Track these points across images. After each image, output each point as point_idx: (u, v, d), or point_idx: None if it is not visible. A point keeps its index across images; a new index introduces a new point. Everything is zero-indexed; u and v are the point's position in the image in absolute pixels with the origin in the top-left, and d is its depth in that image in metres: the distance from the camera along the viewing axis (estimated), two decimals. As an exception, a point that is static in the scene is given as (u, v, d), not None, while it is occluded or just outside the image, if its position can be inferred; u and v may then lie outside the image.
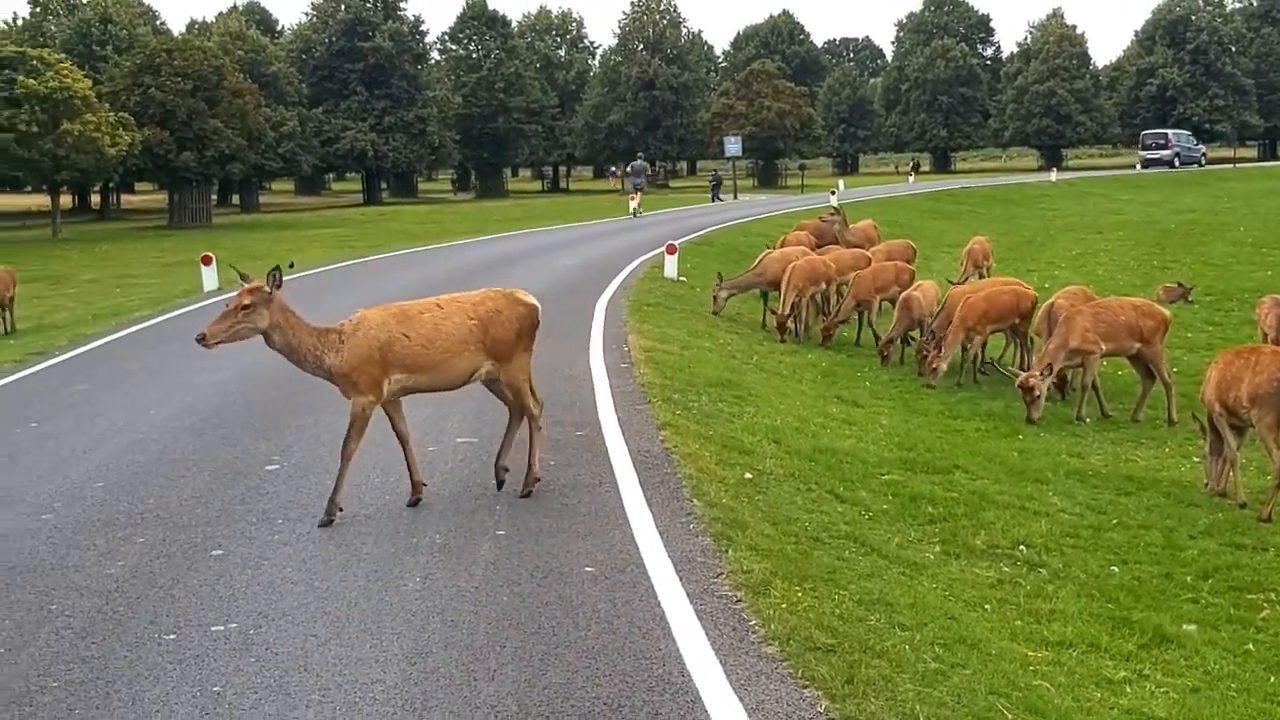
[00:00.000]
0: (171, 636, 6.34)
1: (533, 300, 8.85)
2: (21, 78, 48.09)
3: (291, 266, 24.63)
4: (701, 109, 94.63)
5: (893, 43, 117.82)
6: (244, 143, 60.20)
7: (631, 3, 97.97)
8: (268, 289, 7.90)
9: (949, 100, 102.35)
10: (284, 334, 7.99)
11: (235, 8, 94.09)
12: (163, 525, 8.27)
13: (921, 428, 13.52)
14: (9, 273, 22.45)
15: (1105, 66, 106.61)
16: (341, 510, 8.25)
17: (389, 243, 37.67)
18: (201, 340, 7.79)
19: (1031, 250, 36.32)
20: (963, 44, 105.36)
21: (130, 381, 14.12)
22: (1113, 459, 12.67)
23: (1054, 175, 72.52)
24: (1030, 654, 7.03)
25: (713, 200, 61.56)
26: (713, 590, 6.77)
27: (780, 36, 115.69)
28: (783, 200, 60.62)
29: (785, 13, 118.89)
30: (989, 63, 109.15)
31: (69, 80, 49.14)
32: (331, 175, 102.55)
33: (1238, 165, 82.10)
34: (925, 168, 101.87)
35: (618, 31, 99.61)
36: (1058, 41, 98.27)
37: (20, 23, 76.86)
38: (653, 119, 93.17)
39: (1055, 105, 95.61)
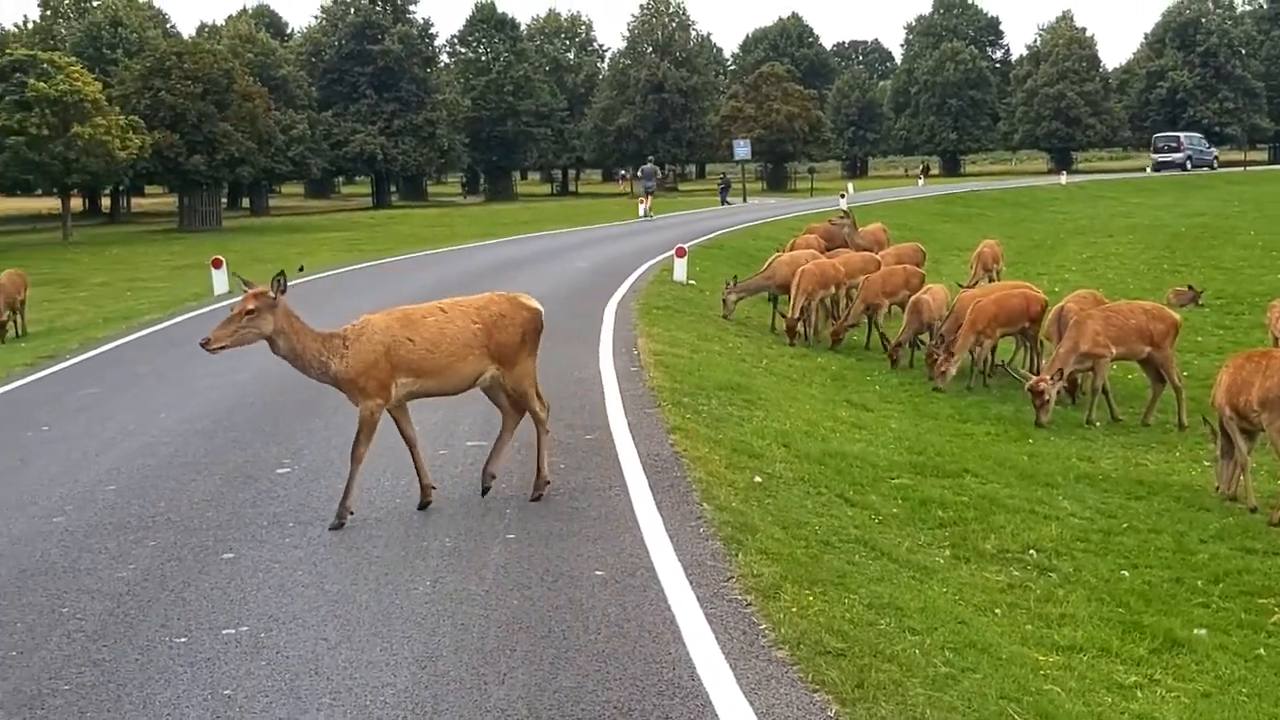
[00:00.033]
0: (183, 639, 6.36)
1: (536, 304, 8.84)
2: (32, 81, 48.28)
3: (301, 270, 24.62)
4: (710, 112, 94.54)
5: (902, 45, 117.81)
6: (254, 146, 60.34)
7: (641, 5, 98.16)
8: (272, 294, 7.91)
9: (958, 103, 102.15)
10: (288, 339, 8.00)
11: (245, 11, 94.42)
12: (174, 528, 8.29)
13: (931, 431, 13.51)
14: (20, 276, 22.52)
15: (1115, 69, 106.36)
16: (352, 514, 8.26)
17: (398, 246, 37.71)
18: (206, 345, 7.81)
19: (1041, 254, 36.27)
20: (972, 47, 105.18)
21: (141, 385, 14.15)
22: (1123, 463, 12.65)
23: (1064, 178, 72.40)
24: (1041, 658, 7.02)
25: (721, 204, 61.55)
26: (723, 594, 6.76)
27: (789, 39, 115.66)
28: (792, 203, 60.60)
29: (794, 15, 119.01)
30: (998, 65, 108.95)
31: (79, 83, 49.30)
32: (341, 178, 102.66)
33: (1248, 168, 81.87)
34: (935, 171, 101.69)
35: (627, 34, 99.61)
36: (1067, 44, 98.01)
37: (31, 26, 77.17)
38: (662, 122, 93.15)
39: (1065, 108, 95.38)
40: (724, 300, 20.15)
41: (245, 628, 6.47)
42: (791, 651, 6.01)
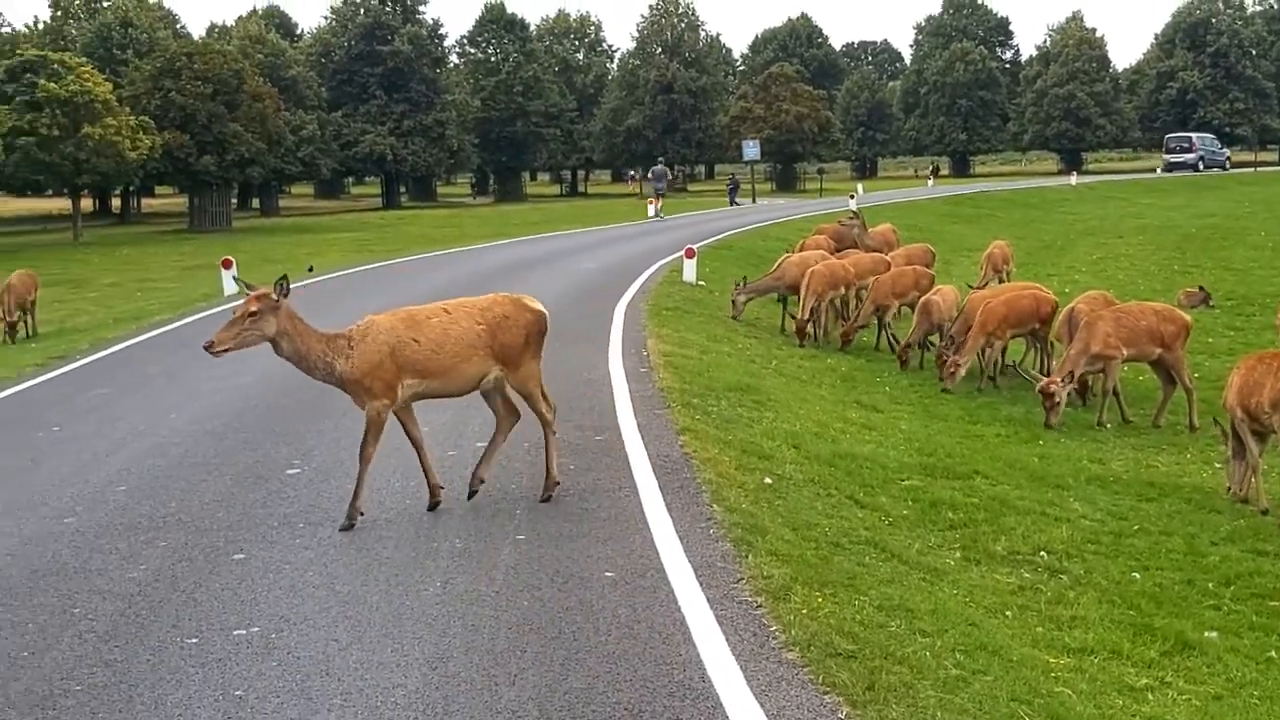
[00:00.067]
0: (194, 640, 6.37)
1: (540, 307, 8.84)
2: (43, 81, 48.46)
3: (311, 270, 24.72)
4: (720, 112, 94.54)
5: (911, 46, 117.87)
6: (264, 146, 60.50)
7: (650, 6, 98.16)
8: (274, 296, 7.92)
9: (968, 104, 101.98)
10: (292, 341, 8.00)
11: (255, 11, 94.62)
12: (184, 529, 8.30)
13: (941, 433, 13.49)
14: (31, 277, 22.59)
15: (1125, 70, 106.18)
16: (362, 515, 8.27)
17: (408, 246, 37.76)
18: (209, 348, 7.81)
19: (1051, 254, 36.21)
20: (982, 47, 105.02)
21: (151, 385, 14.18)
22: (1134, 465, 12.62)
23: (1074, 179, 72.27)
24: (1052, 661, 7.00)
25: (730, 204, 61.54)
26: (733, 595, 6.76)
27: (798, 40, 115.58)
28: (801, 204, 60.58)
29: (803, 16, 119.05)
30: (1008, 66, 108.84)
31: (90, 84, 49.48)
32: (351, 179, 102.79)
33: (1259, 169, 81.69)
34: (944, 171, 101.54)
35: (636, 35, 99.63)
36: (1077, 44, 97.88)
37: (41, 26, 77.30)
38: (671, 122, 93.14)
39: (1075, 109, 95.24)
40: (733, 301, 20.13)
41: (256, 628, 6.48)
42: (802, 653, 6.00)
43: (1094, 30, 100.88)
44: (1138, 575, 8.96)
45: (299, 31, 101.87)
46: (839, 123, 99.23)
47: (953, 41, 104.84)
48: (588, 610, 6.58)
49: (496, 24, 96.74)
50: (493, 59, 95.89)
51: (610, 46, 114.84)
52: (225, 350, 7.86)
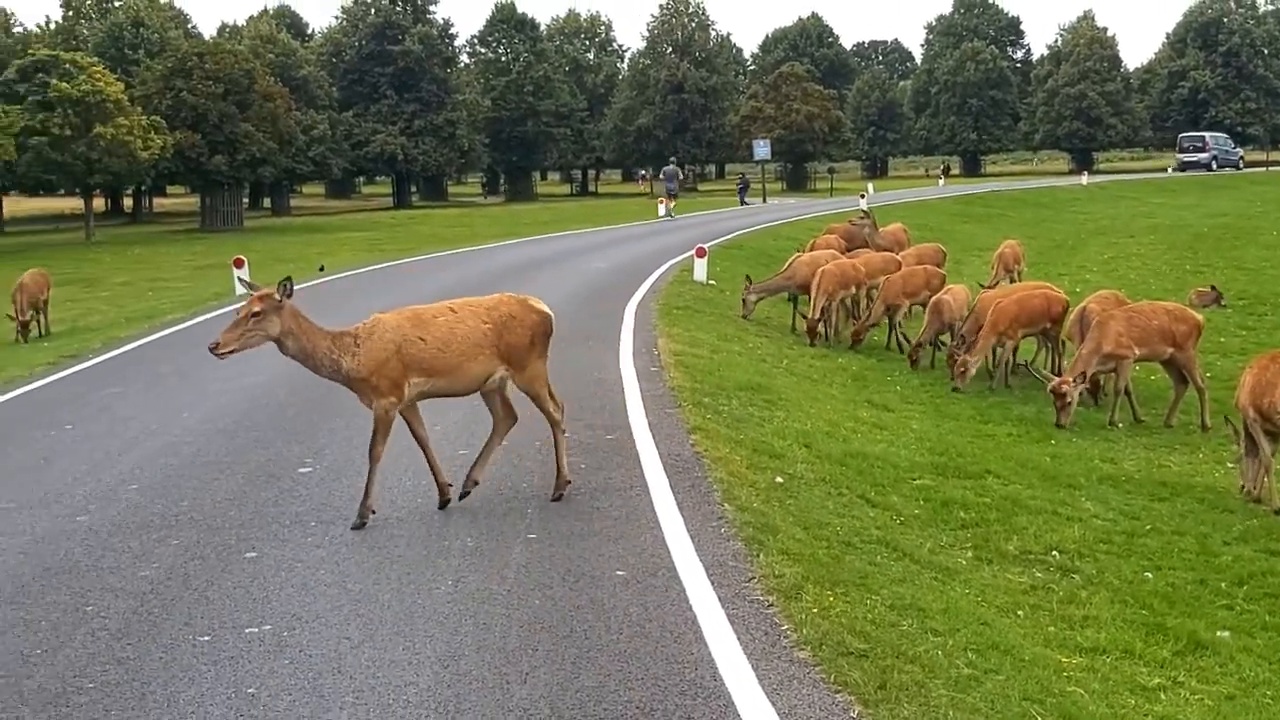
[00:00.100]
0: (206, 638, 6.38)
1: (546, 309, 8.85)
2: (54, 81, 48.63)
3: (322, 270, 24.75)
4: (730, 112, 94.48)
5: (922, 45, 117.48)
6: (275, 146, 60.63)
7: (660, 6, 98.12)
8: (277, 296, 7.93)
9: (979, 103, 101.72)
10: (297, 339, 8.01)
11: (266, 11, 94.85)
12: (197, 527, 8.32)
13: (953, 432, 13.47)
14: (43, 276, 22.66)
15: (1136, 69, 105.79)
16: (374, 513, 8.28)
17: (419, 246, 37.79)
18: (214, 349, 7.82)
19: (1063, 254, 36.14)
20: (993, 46, 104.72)
21: (163, 384, 14.21)
22: (1146, 464, 12.60)
23: (1085, 179, 72.05)
24: (1064, 660, 6.99)
25: (740, 204, 61.51)
26: (744, 595, 6.76)
27: (809, 39, 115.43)
28: (812, 204, 60.54)
29: (814, 15, 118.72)
30: (1019, 65, 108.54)
31: (101, 84, 49.62)
32: (361, 179, 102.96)
33: (1270, 168, 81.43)
34: (955, 171, 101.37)
35: (646, 35, 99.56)
36: (1088, 44, 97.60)
37: (53, 26, 77.59)
38: (681, 122, 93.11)
39: (1086, 108, 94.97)
40: (744, 300, 20.11)
41: (268, 626, 6.49)
42: (813, 652, 6.00)
43: (1105, 29, 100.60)
44: (1150, 575, 8.94)
45: (310, 31, 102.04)
46: (849, 122, 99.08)
47: (964, 41, 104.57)
48: (599, 609, 6.59)
49: (507, 24, 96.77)
50: (503, 59, 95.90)
51: (620, 46, 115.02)
52: (230, 351, 7.87)
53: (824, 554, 7.71)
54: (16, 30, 77.81)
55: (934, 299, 17.99)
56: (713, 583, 6.89)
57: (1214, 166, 78.09)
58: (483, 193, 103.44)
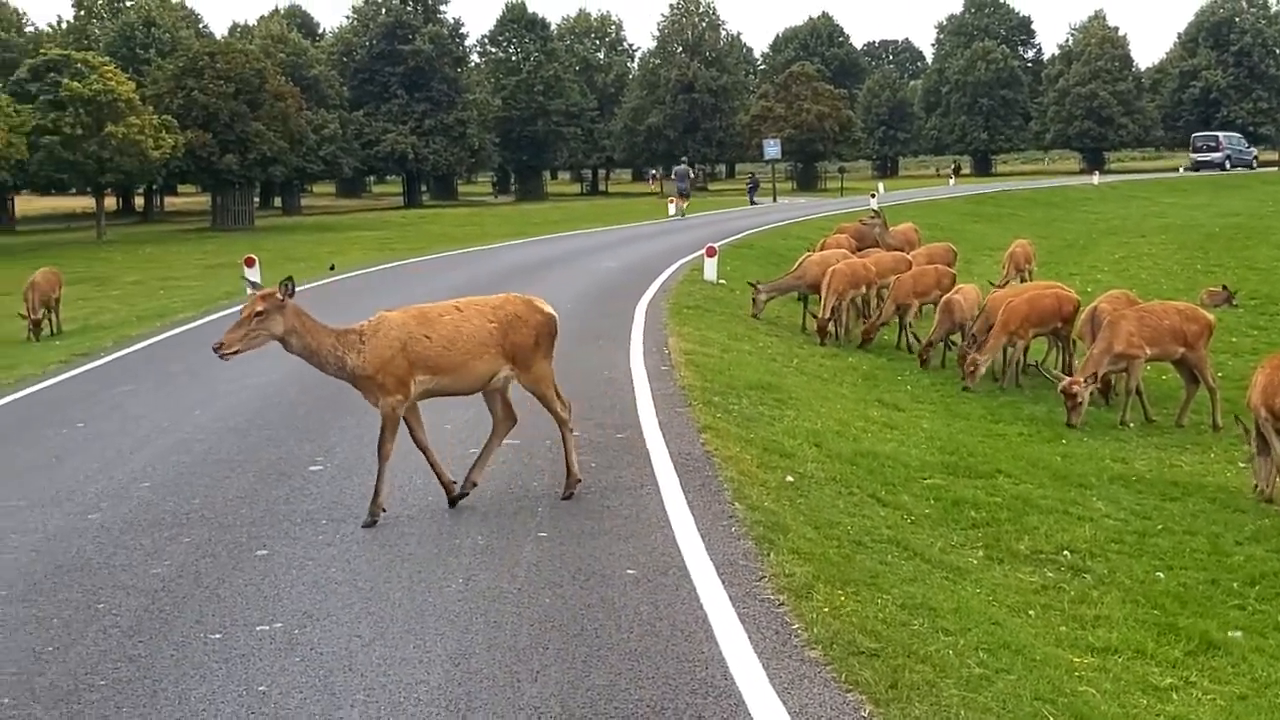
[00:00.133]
0: (217, 636, 6.39)
1: (550, 309, 8.86)
2: (66, 80, 48.73)
3: (333, 269, 24.76)
4: (740, 111, 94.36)
5: (933, 45, 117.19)
6: (286, 145, 60.68)
7: (670, 5, 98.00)
8: (279, 295, 7.94)
9: (990, 102, 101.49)
10: (301, 338, 8.02)
11: (277, 11, 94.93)
12: (208, 525, 8.33)
13: (963, 432, 13.45)
14: (55, 274, 22.72)
15: (1148, 69, 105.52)
16: (385, 511, 8.29)
17: (430, 245, 37.80)
18: (218, 349, 7.83)
19: (1074, 254, 36.08)
20: (1003, 46, 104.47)
21: (174, 383, 14.24)
22: (1157, 464, 12.57)
23: (1096, 178, 71.93)
24: (1075, 660, 6.98)
25: (750, 203, 61.48)
26: (755, 593, 6.75)
27: (819, 39, 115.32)
28: (822, 203, 60.49)
29: (824, 15, 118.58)
30: (1030, 65, 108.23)
31: (113, 83, 49.71)
32: (372, 178, 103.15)
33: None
34: (966, 171, 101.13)
35: (657, 34, 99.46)
36: (1099, 43, 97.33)
37: (65, 26, 77.81)
38: (691, 122, 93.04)
39: (1097, 108, 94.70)
40: (754, 300, 20.09)
41: (279, 624, 6.50)
42: (824, 651, 5.99)
43: (1116, 29, 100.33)
44: (1161, 575, 8.92)
45: (321, 31, 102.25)
46: (860, 122, 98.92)
47: (974, 40, 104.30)
48: (610, 607, 6.59)
49: (517, 23, 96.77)
50: (514, 58, 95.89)
51: (631, 46, 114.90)
52: (234, 352, 7.88)
53: (835, 553, 7.70)
54: (28, 30, 78.10)
55: (945, 298, 17.96)
56: (723, 581, 6.88)
57: (1227, 166, 77.86)
58: (493, 192, 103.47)
